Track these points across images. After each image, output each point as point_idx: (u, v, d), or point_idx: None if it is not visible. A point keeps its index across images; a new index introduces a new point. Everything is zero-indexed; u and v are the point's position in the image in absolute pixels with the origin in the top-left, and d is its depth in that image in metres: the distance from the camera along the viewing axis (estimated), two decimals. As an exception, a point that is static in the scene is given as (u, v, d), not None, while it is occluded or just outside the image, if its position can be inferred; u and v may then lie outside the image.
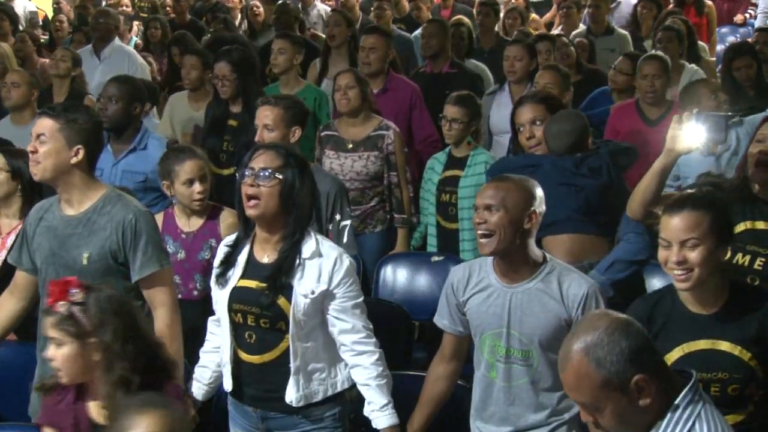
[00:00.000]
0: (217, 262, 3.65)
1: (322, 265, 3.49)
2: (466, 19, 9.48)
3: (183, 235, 4.68)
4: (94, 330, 3.10)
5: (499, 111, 6.50)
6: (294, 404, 3.52)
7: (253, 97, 5.84)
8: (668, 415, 2.51)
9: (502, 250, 3.40)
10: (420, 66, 7.79)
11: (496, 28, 9.00)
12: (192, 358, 3.91)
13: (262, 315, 3.50)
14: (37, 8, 11.71)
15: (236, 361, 3.58)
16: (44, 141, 3.71)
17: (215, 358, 3.73)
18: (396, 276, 5.36)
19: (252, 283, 3.52)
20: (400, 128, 6.09)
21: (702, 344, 3.10)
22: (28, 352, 3.97)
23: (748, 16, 11.71)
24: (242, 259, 3.57)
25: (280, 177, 3.46)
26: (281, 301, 3.47)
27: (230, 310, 3.55)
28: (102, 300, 3.14)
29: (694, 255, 3.03)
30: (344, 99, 5.63)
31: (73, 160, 3.73)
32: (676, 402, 2.52)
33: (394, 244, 5.75)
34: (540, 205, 3.44)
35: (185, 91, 6.86)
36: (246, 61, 5.99)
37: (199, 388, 3.76)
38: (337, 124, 5.76)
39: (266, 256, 3.54)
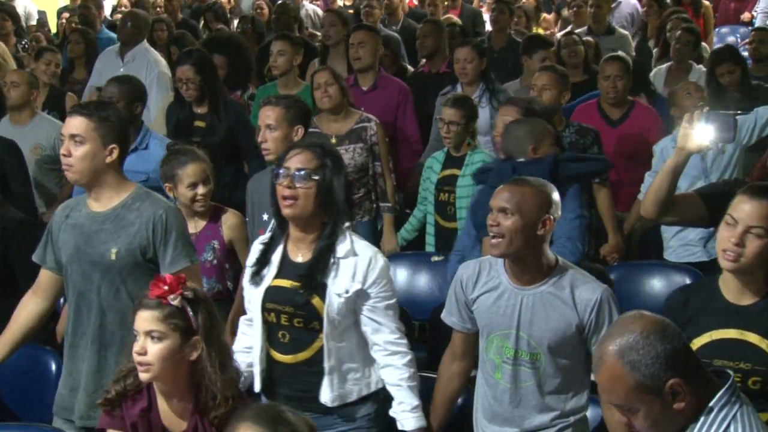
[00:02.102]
0: (251, 260, 3.63)
1: (356, 264, 3.48)
2: (455, 18, 9.49)
3: None
4: (200, 329, 3.11)
5: None
6: (329, 404, 3.51)
7: (219, 96, 5.87)
8: (702, 418, 2.48)
9: (513, 254, 3.38)
10: (419, 66, 7.82)
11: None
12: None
13: (296, 314, 3.49)
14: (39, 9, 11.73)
15: (268, 361, 3.56)
16: (80, 142, 3.67)
17: (245, 358, 3.70)
18: (396, 276, 5.36)
19: (286, 283, 3.51)
20: (387, 126, 6.14)
21: (731, 333, 3.09)
22: (29, 354, 3.98)
23: (754, 14, 11.72)
24: (277, 258, 3.56)
25: (317, 178, 3.45)
26: (315, 300, 3.47)
27: (264, 309, 3.53)
28: (210, 302, 3.21)
29: (753, 243, 3.02)
30: (325, 96, 5.70)
31: (108, 160, 3.71)
32: (711, 405, 2.48)
33: (379, 234, 5.82)
34: (556, 211, 3.41)
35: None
36: (209, 62, 5.98)
37: None
38: (317, 121, 5.80)
39: (300, 256, 3.53)
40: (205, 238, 4.67)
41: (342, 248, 3.49)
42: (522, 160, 4.33)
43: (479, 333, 3.56)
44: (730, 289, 3.14)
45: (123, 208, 3.75)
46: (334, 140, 5.67)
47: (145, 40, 8.00)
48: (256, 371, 3.58)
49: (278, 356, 3.55)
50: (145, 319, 3.10)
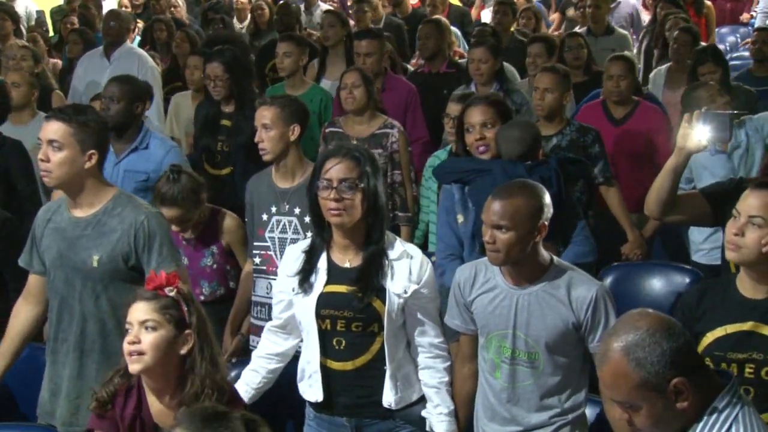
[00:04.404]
0: (294, 269, 3.57)
1: (411, 264, 3.50)
2: (443, 20, 9.49)
3: (184, 242, 4.67)
4: (193, 324, 3.15)
5: None
6: (393, 407, 3.51)
7: (247, 97, 5.87)
8: (704, 418, 2.48)
9: (511, 262, 3.39)
10: (418, 66, 7.82)
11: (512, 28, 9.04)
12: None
13: (355, 318, 3.48)
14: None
15: (323, 371, 3.53)
16: (58, 148, 3.64)
17: (267, 365, 3.71)
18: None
19: (341, 288, 3.49)
20: (395, 128, 6.12)
21: (745, 326, 3.10)
22: (26, 352, 3.98)
23: (752, 15, 11.72)
24: (323, 264, 3.53)
25: (363, 186, 3.44)
26: (376, 303, 3.47)
27: (318, 316, 3.51)
28: (199, 304, 3.24)
29: (753, 234, 3.06)
30: (350, 97, 5.67)
31: (87, 165, 3.67)
32: (715, 405, 2.48)
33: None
34: (549, 212, 3.41)
35: (189, 91, 6.86)
36: (238, 61, 5.98)
37: (246, 392, 3.69)
38: (342, 122, 5.79)
39: (348, 261, 3.53)
40: (203, 244, 4.66)
41: (393, 250, 3.51)
42: (529, 163, 4.34)
43: (479, 333, 3.56)
44: (745, 284, 3.16)
45: (104, 214, 3.72)
46: (354, 142, 5.65)
47: (128, 40, 8.01)
48: (314, 381, 3.56)
49: (335, 365, 3.53)
50: (140, 310, 3.12)
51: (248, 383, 3.72)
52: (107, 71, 7.41)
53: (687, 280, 4.94)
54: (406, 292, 3.48)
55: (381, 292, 3.47)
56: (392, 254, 3.50)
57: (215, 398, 3.09)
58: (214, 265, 4.66)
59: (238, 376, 3.90)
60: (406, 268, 3.50)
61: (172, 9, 10.64)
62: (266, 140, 4.46)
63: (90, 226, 3.72)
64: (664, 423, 2.48)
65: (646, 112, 6.14)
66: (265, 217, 4.53)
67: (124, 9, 10.89)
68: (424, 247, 5.74)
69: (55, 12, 11.46)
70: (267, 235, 4.52)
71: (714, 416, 2.48)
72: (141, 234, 3.69)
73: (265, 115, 4.50)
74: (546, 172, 4.30)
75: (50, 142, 3.65)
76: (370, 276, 3.46)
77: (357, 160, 3.47)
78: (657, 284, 5.07)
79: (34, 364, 4.03)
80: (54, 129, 3.66)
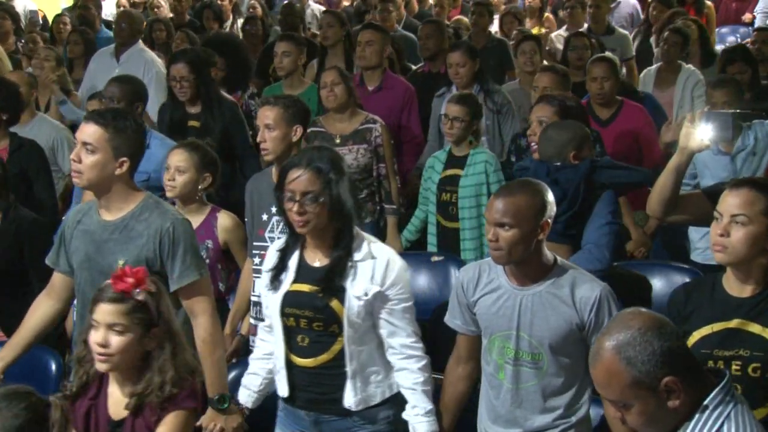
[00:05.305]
0: (268, 266, 3.62)
1: (375, 266, 3.48)
2: (465, 19, 9.54)
3: None
4: (160, 320, 3.14)
5: None
6: (353, 408, 3.52)
7: (213, 96, 5.87)
8: (696, 416, 2.50)
9: (515, 261, 3.39)
10: (418, 66, 7.83)
11: (490, 29, 9.07)
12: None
13: (316, 318, 3.49)
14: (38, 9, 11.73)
15: (289, 366, 3.56)
16: (91, 151, 3.65)
17: (265, 365, 3.72)
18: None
19: (305, 287, 3.51)
20: (392, 126, 6.15)
21: (732, 324, 3.12)
22: (30, 353, 3.97)
23: (754, 15, 11.72)
24: (293, 263, 3.56)
25: (324, 200, 3.43)
26: (334, 303, 3.47)
27: (282, 314, 3.53)
28: (167, 294, 3.25)
29: (737, 232, 3.06)
30: (331, 95, 5.72)
31: (118, 172, 3.68)
32: (705, 403, 2.50)
33: (382, 235, 5.77)
34: (551, 211, 3.40)
35: None
36: (203, 61, 5.98)
37: (249, 396, 3.73)
38: (323, 120, 5.83)
39: (318, 260, 3.54)
40: (199, 237, 4.64)
41: (359, 251, 3.50)
42: (558, 164, 4.34)
43: (482, 334, 3.56)
44: (731, 283, 3.17)
45: (132, 219, 3.72)
46: (338, 140, 5.68)
47: (141, 41, 7.97)
48: (281, 376, 3.59)
49: (298, 360, 3.55)
50: (108, 312, 3.11)
51: (249, 387, 3.73)
52: (115, 72, 7.40)
53: (687, 279, 4.92)
54: (366, 294, 3.47)
55: (341, 293, 3.47)
56: (357, 256, 3.50)
57: (168, 390, 3.12)
58: (207, 260, 4.63)
59: (237, 377, 3.90)
60: (369, 270, 3.49)
61: (156, 9, 10.62)
62: (269, 140, 4.45)
63: (117, 231, 3.72)
64: (657, 421, 2.50)
65: (631, 112, 6.16)
66: (265, 217, 4.53)
67: (123, 8, 10.89)
68: (421, 243, 5.77)
69: (64, 12, 11.44)
70: (267, 235, 4.52)
71: (705, 414, 2.50)
72: (166, 240, 3.68)
73: (267, 115, 4.49)
74: (569, 175, 4.29)
75: (84, 144, 3.66)
76: (333, 277, 3.47)
77: (319, 171, 3.45)
78: (657, 284, 5.05)
79: (37, 363, 4.05)
80: (90, 132, 3.66)
